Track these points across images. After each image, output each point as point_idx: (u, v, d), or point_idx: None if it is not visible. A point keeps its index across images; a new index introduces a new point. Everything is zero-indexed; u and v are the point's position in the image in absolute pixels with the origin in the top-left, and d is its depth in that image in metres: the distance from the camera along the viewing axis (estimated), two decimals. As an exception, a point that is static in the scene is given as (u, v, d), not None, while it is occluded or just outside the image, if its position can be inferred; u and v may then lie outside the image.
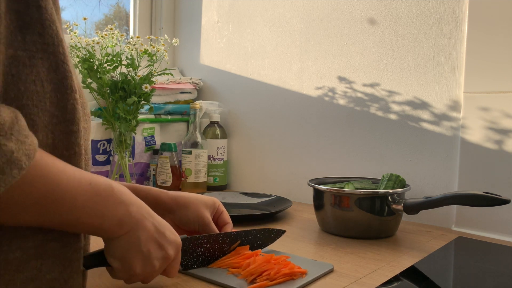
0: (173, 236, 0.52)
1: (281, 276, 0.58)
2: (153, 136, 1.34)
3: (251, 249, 0.68)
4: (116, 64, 1.14)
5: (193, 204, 0.67)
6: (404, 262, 0.70)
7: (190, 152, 1.27)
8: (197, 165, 1.27)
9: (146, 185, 1.15)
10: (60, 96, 0.41)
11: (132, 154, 1.27)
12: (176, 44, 1.25)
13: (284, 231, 0.73)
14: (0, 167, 0.33)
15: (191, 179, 1.27)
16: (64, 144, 0.42)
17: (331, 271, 0.64)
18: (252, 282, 0.58)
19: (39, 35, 0.40)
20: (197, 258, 0.63)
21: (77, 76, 0.46)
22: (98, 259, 0.50)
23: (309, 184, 0.90)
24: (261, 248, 0.70)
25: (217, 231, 0.68)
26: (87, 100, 0.49)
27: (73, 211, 0.41)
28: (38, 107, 0.39)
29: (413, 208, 0.79)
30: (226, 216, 0.72)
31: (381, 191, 0.84)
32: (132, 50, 1.16)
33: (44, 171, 0.38)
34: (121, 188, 0.46)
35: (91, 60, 1.13)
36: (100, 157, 1.23)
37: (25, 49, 0.39)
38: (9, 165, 0.34)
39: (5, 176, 0.34)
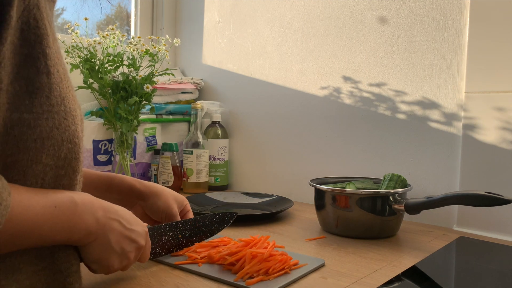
0: (141, 227, 0.56)
1: (276, 272, 0.60)
2: (154, 136, 1.34)
3: (210, 232, 0.73)
4: (117, 64, 1.14)
5: (164, 195, 0.71)
6: (406, 262, 0.70)
7: (192, 152, 1.27)
8: (198, 165, 1.27)
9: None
10: (57, 148, 0.43)
11: (134, 154, 1.27)
12: (178, 44, 1.25)
13: (237, 213, 0.77)
14: None
15: (192, 179, 1.27)
16: (51, 186, 0.44)
17: (323, 265, 0.66)
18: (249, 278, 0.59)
19: (47, 97, 0.41)
20: (163, 246, 0.67)
21: (76, 99, 0.47)
22: None
23: (310, 184, 0.90)
24: (218, 231, 0.74)
25: None
26: (79, 104, 0.49)
27: (42, 236, 0.42)
28: (32, 161, 0.41)
29: (415, 208, 0.79)
30: (191, 215, 0.77)
31: (383, 191, 0.84)
32: (133, 50, 1.16)
33: (14, 209, 0.38)
34: (85, 200, 0.47)
35: (93, 60, 1.13)
36: (101, 157, 1.23)
37: (32, 112, 0.40)
38: None
39: None
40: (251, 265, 0.60)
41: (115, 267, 0.52)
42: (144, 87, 1.16)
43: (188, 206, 0.76)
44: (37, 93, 0.41)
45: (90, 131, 1.20)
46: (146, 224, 0.62)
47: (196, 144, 1.28)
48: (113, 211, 0.51)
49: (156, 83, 1.22)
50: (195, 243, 0.71)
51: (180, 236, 0.69)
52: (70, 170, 0.45)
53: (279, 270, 0.61)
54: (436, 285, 0.62)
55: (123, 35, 1.16)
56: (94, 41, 1.13)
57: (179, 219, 0.73)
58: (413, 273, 0.66)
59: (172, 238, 0.68)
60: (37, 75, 0.41)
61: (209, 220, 0.74)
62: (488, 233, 0.87)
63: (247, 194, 1.16)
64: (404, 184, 0.87)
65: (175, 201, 0.73)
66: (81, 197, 0.47)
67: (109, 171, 1.24)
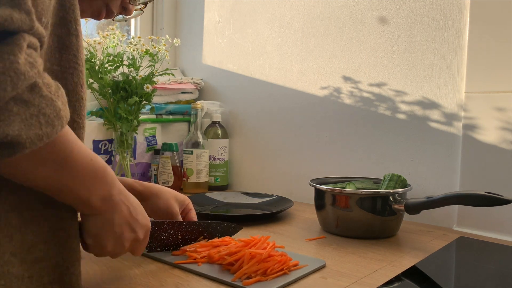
0: (145, 220, 0.57)
1: (275, 273, 0.60)
2: (154, 136, 1.34)
3: (210, 239, 0.73)
4: (117, 64, 1.14)
5: (164, 195, 0.72)
6: (406, 262, 0.70)
7: (192, 152, 1.27)
8: (198, 165, 1.27)
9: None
10: (82, 106, 0.48)
11: (134, 154, 1.27)
12: (178, 44, 1.25)
13: (241, 228, 0.77)
14: (51, 120, 0.38)
15: (192, 179, 1.27)
16: None
17: (323, 266, 0.66)
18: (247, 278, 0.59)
19: (74, 56, 0.47)
20: (161, 242, 0.68)
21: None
22: None
23: (310, 184, 0.90)
24: (219, 238, 0.74)
25: None
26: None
27: (73, 179, 0.45)
28: None
29: (415, 208, 0.79)
30: (194, 214, 0.77)
31: (383, 191, 0.84)
32: (133, 50, 1.16)
33: (67, 136, 0.43)
34: (111, 173, 0.50)
35: (93, 60, 1.13)
36: (101, 157, 1.23)
37: (60, 65, 0.46)
38: (57, 120, 0.39)
39: (53, 129, 0.38)
40: (249, 265, 0.60)
41: (108, 249, 0.53)
42: (144, 87, 1.16)
43: (190, 205, 0.77)
44: (66, 50, 0.46)
45: (90, 131, 1.20)
46: (150, 219, 0.62)
47: (196, 144, 1.28)
48: (126, 195, 0.53)
49: (156, 83, 1.22)
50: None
51: (180, 237, 0.70)
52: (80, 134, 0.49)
53: (278, 270, 0.60)
54: (436, 285, 0.62)
55: (123, 35, 1.16)
56: (94, 41, 1.13)
57: (180, 218, 0.73)
58: (413, 273, 0.66)
59: (171, 237, 0.69)
60: (67, 35, 0.46)
61: (213, 228, 0.74)
62: (488, 233, 0.87)
63: (247, 194, 1.16)
64: (404, 184, 0.87)
65: (176, 200, 0.73)
66: (109, 168, 0.50)
67: (109, 171, 1.23)
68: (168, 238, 0.68)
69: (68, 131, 0.43)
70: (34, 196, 0.44)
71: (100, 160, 0.48)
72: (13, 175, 0.41)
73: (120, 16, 0.66)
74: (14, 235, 0.42)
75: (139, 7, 0.68)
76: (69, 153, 0.43)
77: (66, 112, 0.40)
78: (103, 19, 0.64)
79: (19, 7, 0.35)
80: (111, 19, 0.66)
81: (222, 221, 0.76)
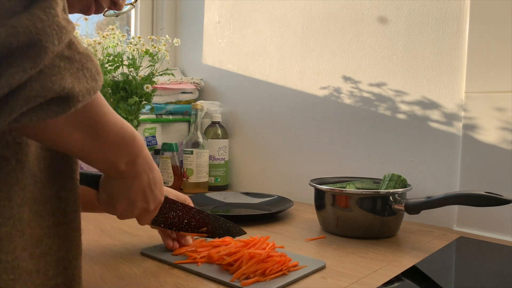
0: (160, 194, 0.58)
1: (274, 273, 0.60)
2: (154, 136, 1.34)
3: (212, 234, 0.74)
4: (117, 64, 1.14)
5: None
6: (406, 262, 0.69)
7: (192, 152, 1.27)
8: (198, 165, 1.27)
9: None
10: None
11: (134, 154, 1.27)
12: (178, 44, 1.25)
13: (244, 233, 0.77)
14: (93, 75, 0.38)
15: (192, 179, 1.27)
16: None
17: (323, 267, 0.65)
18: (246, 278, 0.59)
19: None
20: (167, 220, 0.69)
21: None
22: (92, 181, 0.57)
23: (310, 184, 0.90)
24: (220, 237, 0.75)
25: None
26: None
27: (104, 144, 0.46)
28: None
29: (415, 208, 0.79)
30: None
31: (383, 191, 0.84)
32: (133, 50, 1.16)
33: (100, 100, 0.43)
34: (140, 141, 0.51)
35: (93, 60, 1.13)
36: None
37: None
38: (97, 75, 0.39)
39: (96, 84, 0.38)
40: (248, 266, 0.60)
41: (117, 210, 0.55)
42: (144, 87, 1.16)
43: (191, 205, 0.76)
44: None
45: (90, 131, 1.19)
46: (165, 195, 0.64)
47: (196, 144, 1.28)
48: (150, 165, 0.54)
49: (156, 83, 1.22)
50: (194, 237, 0.73)
51: (186, 221, 0.71)
52: None
53: (277, 271, 0.60)
54: (436, 285, 0.62)
55: (123, 35, 1.16)
56: (94, 41, 1.13)
57: None
58: (413, 273, 0.65)
59: (178, 218, 0.70)
60: None
61: (218, 223, 0.75)
62: (488, 233, 0.87)
63: (247, 194, 1.16)
64: (404, 184, 0.87)
65: (177, 200, 0.73)
66: (139, 136, 0.51)
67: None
68: (174, 218, 0.69)
69: (100, 95, 0.43)
70: (40, 191, 0.44)
71: (129, 127, 0.49)
72: (51, 141, 0.42)
73: (111, 11, 0.65)
74: (25, 229, 0.42)
75: (130, 1, 0.67)
76: (102, 118, 0.44)
77: (100, 69, 0.40)
78: (99, 16, 0.63)
79: None
80: (102, 14, 0.65)
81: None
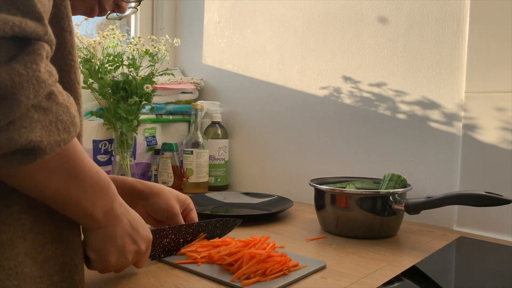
0: (146, 232, 0.57)
1: (274, 273, 0.60)
2: (154, 136, 1.34)
3: (212, 238, 0.74)
4: (117, 64, 1.14)
5: (165, 194, 0.72)
6: (406, 262, 0.69)
7: (192, 152, 1.27)
8: (198, 165, 1.27)
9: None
10: (79, 103, 0.48)
11: (134, 154, 1.27)
12: (178, 44, 1.25)
13: (240, 221, 0.77)
14: (67, 127, 0.39)
15: (192, 179, 1.27)
16: None
17: (323, 267, 0.65)
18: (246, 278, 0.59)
19: (69, 52, 0.47)
20: (164, 248, 0.68)
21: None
22: None
23: (310, 184, 0.90)
24: (220, 237, 0.75)
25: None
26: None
27: (80, 190, 0.45)
28: None
29: (415, 208, 0.79)
30: (194, 214, 0.77)
31: (383, 191, 0.84)
32: (133, 50, 1.16)
33: (76, 146, 0.43)
34: (113, 186, 0.51)
35: (93, 60, 1.13)
36: (101, 157, 1.23)
37: (56, 63, 0.44)
38: (72, 127, 0.39)
39: (69, 136, 0.39)
40: (248, 266, 0.60)
41: (111, 263, 0.53)
42: (144, 87, 1.16)
43: (192, 205, 0.77)
44: (60, 47, 0.45)
45: (90, 131, 1.20)
46: (150, 227, 0.62)
47: (196, 144, 1.28)
48: (126, 208, 0.54)
49: (156, 83, 1.22)
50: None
51: (181, 240, 0.70)
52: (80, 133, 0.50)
53: (277, 271, 0.60)
54: (436, 285, 0.62)
55: (123, 35, 1.16)
56: (94, 41, 1.13)
57: (181, 218, 0.73)
58: (413, 273, 0.66)
59: (173, 241, 0.69)
60: (61, 32, 0.45)
61: (212, 226, 0.74)
62: (488, 233, 0.87)
63: (247, 194, 1.16)
64: (404, 184, 0.87)
65: (177, 200, 0.74)
66: (112, 182, 0.50)
67: (109, 171, 1.24)
68: (170, 243, 0.68)
69: (76, 141, 0.43)
70: None
71: (103, 173, 0.49)
72: (25, 187, 0.42)
73: (114, 14, 0.65)
74: (27, 235, 0.43)
75: (133, 4, 0.67)
76: (78, 164, 0.44)
77: (78, 120, 0.41)
78: (102, 18, 0.63)
79: (31, 14, 0.35)
80: (105, 17, 0.65)
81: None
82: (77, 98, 0.47)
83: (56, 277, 0.45)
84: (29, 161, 0.36)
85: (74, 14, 0.59)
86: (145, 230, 0.57)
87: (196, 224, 0.72)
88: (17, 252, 0.41)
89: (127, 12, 0.67)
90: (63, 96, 0.39)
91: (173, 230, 0.68)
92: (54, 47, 0.39)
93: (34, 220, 0.44)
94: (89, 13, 0.61)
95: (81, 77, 1.13)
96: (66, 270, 0.46)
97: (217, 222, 0.75)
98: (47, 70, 0.36)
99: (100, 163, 1.23)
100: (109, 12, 0.63)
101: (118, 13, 0.65)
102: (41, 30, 0.36)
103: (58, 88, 0.39)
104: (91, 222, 0.50)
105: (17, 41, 0.35)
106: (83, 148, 0.45)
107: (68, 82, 0.46)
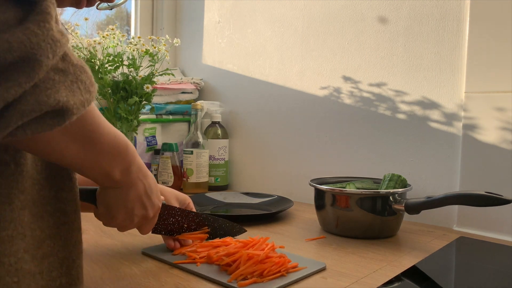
0: (157, 200, 0.58)
1: (272, 274, 0.60)
2: (154, 136, 1.34)
3: (213, 235, 0.74)
4: (117, 64, 1.14)
5: (164, 194, 0.72)
6: (406, 262, 0.69)
7: (192, 152, 1.27)
8: (198, 165, 1.27)
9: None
10: None
11: (134, 154, 1.27)
12: (178, 44, 1.25)
13: (245, 231, 0.78)
14: (87, 87, 0.38)
15: (192, 179, 1.27)
16: None
17: (323, 269, 0.65)
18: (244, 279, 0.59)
19: None
20: (167, 226, 0.69)
21: None
22: (89, 195, 0.57)
23: (310, 184, 0.90)
24: (221, 238, 0.75)
25: None
26: None
27: (98, 155, 0.46)
28: None
29: (415, 208, 0.79)
30: None
31: (383, 191, 0.84)
32: (133, 50, 1.16)
33: (94, 111, 0.43)
34: (133, 149, 0.52)
35: (93, 60, 1.13)
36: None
37: None
38: (91, 87, 0.39)
39: (90, 95, 0.39)
40: (246, 267, 0.60)
41: (117, 221, 0.55)
42: (144, 87, 1.16)
43: (191, 204, 0.77)
44: None
45: (90, 131, 1.19)
46: (163, 201, 0.64)
47: (196, 144, 1.28)
48: (144, 173, 0.55)
49: (156, 83, 1.22)
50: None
51: (185, 225, 0.71)
52: None
53: (275, 272, 0.60)
54: (436, 285, 0.62)
55: (123, 35, 1.16)
56: (94, 41, 1.13)
57: None
58: (413, 273, 0.65)
59: (177, 223, 0.70)
60: None
61: (218, 224, 0.75)
62: (488, 233, 0.87)
63: (247, 194, 1.16)
64: (404, 184, 0.87)
65: (177, 200, 0.74)
66: (131, 144, 0.51)
67: (109, 171, 1.24)
68: (174, 223, 0.70)
69: (93, 106, 0.43)
70: (39, 192, 0.45)
71: (122, 135, 0.49)
72: (45, 152, 0.42)
73: (105, 4, 0.64)
74: (26, 232, 0.43)
75: None
76: (96, 128, 0.44)
77: (94, 80, 0.41)
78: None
79: None
80: (95, 7, 0.64)
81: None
82: None
83: (54, 272, 0.46)
84: (58, 123, 0.36)
85: (61, 6, 0.57)
86: (157, 198, 0.58)
87: (205, 216, 0.73)
88: (16, 248, 0.41)
89: (118, 1, 0.66)
90: (75, 57, 0.39)
91: (182, 212, 0.70)
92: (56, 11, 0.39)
93: (33, 216, 0.44)
94: (77, 4, 0.59)
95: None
96: (65, 265, 0.47)
97: (224, 223, 0.76)
98: (58, 30, 0.36)
99: (100, 163, 1.23)
100: (99, 2, 0.62)
101: (108, 3, 0.64)
102: None
103: (70, 50, 0.38)
104: (108, 182, 0.51)
105: (21, 3, 0.34)
106: (99, 113, 0.45)
107: None
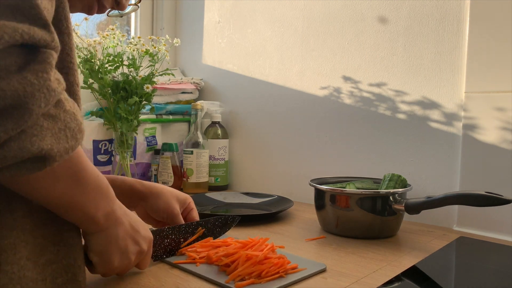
0: (146, 232, 0.58)
1: (270, 275, 0.59)
2: (154, 136, 1.34)
3: (212, 236, 0.74)
4: (117, 64, 1.14)
5: (165, 195, 0.72)
6: (406, 262, 0.69)
7: (192, 152, 1.27)
8: (198, 165, 1.27)
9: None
10: (78, 105, 0.48)
11: (134, 154, 1.27)
12: (178, 44, 1.25)
13: (239, 218, 0.78)
14: (75, 134, 0.39)
15: (192, 179, 1.27)
16: None
17: (323, 270, 0.65)
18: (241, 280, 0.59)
19: (67, 55, 0.46)
20: (165, 249, 0.68)
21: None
22: None
23: (310, 184, 0.90)
24: (220, 235, 0.75)
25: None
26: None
27: (84, 195, 0.46)
28: None
29: (415, 208, 0.79)
30: (195, 214, 0.76)
31: (383, 191, 0.84)
32: (133, 50, 1.16)
33: (80, 152, 0.44)
34: (111, 189, 0.51)
35: (93, 60, 1.13)
36: (101, 157, 1.23)
37: (55, 66, 0.45)
38: (79, 134, 0.40)
39: (76, 142, 0.39)
40: (244, 267, 0.59)
41: (114, 265, 0.53)
42: (144, 87, 1.16)
43: (192, 204, 0.76)
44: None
45: (90, 131, 1.20)
46: (150, 226, 0.62)
47: (196, 144, 1.28)
48: (125, 210, 0.54)
49: (156, 83, 1.22)
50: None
51: (182, 239, 0.70)
52: None
53: (274, 273, 0.60)
54: (436, 285, 0.62)
55: (123, 35, 1.16)
56: (94, 41, 1.13)
57: (181, 218, 0.73)
58: (413, 273, 0.65)
59: (174, 242, 0.69)
60: (59, 35, 0.44)
61: (212, 224, 0.74)
62: (488, 233, 0.87)
63: (247, 194, 1.16)
64: (404, 184, 0.87)
65: (177, 200, 0.73)
66: (110, 186, 0.51)
67: (109, 171, 1.24)
68: (171, 243, 0.69)
69: (80, 149, 0.44)
70: None
71: (103, 176, 0.49)
72: (31, 193, 0.42)
73: (116, 11, 0.64)
74: (28, 239, 0.43)
75: (133, 1, 0.67)
76: (82, 169, 0.45)
77: (83, 126, 0.41)
78: (100, 16, 0.63)
79: (37, 22, 0.35)
80: (106, 14, 0.65)
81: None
82: (76, 100, 0.47)
83: (60, 279, 0.45)
84: (38, 169, 0.37)
85: (72, 12, 0.58)
86: (146, 230, 0.58)
87: (195, 223, 0.72)
88: (19, 256, 0.41)
89: (128, 9, 0.67)
90: (69, 103, 0.40)
91: (173, 230, 0.68)
92: (59, 53, 0.39)
93: (35, 223, 0.44)
94: (88, 11, 0.60)
95: (81, 78, 1.14)
96: (70, 272, 0.47)
97: (216, 220, 0.75)
98: (56, 78, 0.37)
99: (100, 163, 1.23)
100: (109, 9, 0.63)
101: (119, 11, 0.64)
102: (48, 37, 0.36)
103: (65, 95, 0.39)
104: (93, 226, 0.50)
105: (25, 49, 0.34)
106: (84, 154, 0.46)
107: (66, 85, 0.46)
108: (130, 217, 0.55)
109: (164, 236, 0.67)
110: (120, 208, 0.53)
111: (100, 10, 0.61)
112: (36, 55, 0.35)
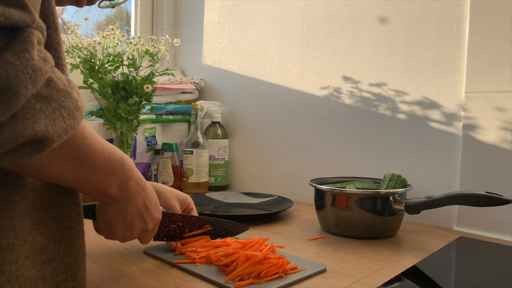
0: (157, 212, 0.58)
1: (269, 276, 0.59)
2: (154, 136, 1.34)
3: (215, 236, 0.74)
4: (117, 64, 1.14)
5: (165, 194, 0.72)
6: (406, 262, 0.69)
7: (192, 152, 1.27)
8: (198, 165, 1.27)
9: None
10: None
11: (134, 154, 1.27)
12: (178, 44, 1.25)
13: (247, 228, 0.78)
14: (72, 112, 0.38)
15: (192, 179, 1.27)
16: None
17: (323, 270, 0.65)
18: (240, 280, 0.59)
19: (55, 50, 0.45)
20: (168, 233, 0.70)
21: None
22: (88, 211, 0.56)
23: (310, 184, 0.90)
24: (223, 238, 0.75)
25: None
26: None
27: (92, 172, 0.46)
28: None
29: (415, 208, 0.79)
30: (195, 214, 0.77)
31: (383, 191, 0.84)
32: (133, 50, 1.16)
33: (84, 130, 0.43)
34: (130, 164, 0.52)
35: (93, 60, 1.13)
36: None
37: None
38: (77, 112, 0.39)
39: (75, 121, 0.38)
40: (243, 267, 0.59)
41: (117, 235, 0.56)
42: (144, 87, 1.16)
43: (192, 204, 0.77)
44: (46, 45, 0.43)
45: (90, 131, 1.19)
46: (162, 210, 0.64)
47: (196, 144, 1.28)
48: (143, 186, 0.55)
49: (156, 83, 1.22)
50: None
51: (187, 230, 0.71)
52: None
53: (273, 274, 0.60)
54: (436, 285, 0.62)
55: (123, 35, 1.16)
56: (94, 41, 1.13)
57: None
58: (413, 273, 0.65)
59: (179, 229, 0.70)
60: (46, 29, 0.43)
61: (220, 225, 0.75)
62: (488, 233, 0.87)
63: (247, 194, 1.16)
64: (404, 184, 0.87)
65: (177, 200, 0.74)
66: (128, 160, 0.51)
67: (109, 171, 1.23)
68: (175, 229, 0.70)
69: (84, 125, 0.43)
70: (41, 198, 0.45)
71: (117, 151, 0.49)
72: (37, 174, 0.42)
73: (107, 2, 0.64)
74: (27, 238, 0.43)
75: None
76: (88, 148, 0.44)
77: (82, 103, 0.40)
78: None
79: (14, 3, 0.34)
80: (97, 5, 0.64)
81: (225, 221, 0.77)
82: None
83: (59, 277, 0.46)
84: (38, 152, 0.36)
85: (61, 5, 0.57)
86: (157, 210, 0.58)
87: (206, 219, 0.73)
88: (18, 255, 0.41)
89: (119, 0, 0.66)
90: (63, 81, 0.38)
91: (183, 218, 0.70)
92: (45, 33, 0.38)
93: (34, 222, 0.44)
94: (77, 3, 0.59)
95: (81, 78, 1.14)
96: (70, 270, 0.47)
97: (226, 223, 0.76)
98: (41, 57, 0.35)
99: (100, 163, 1.23)
100: (100, 0, 0.62)
101: (110, 1, 0.63)
102: (27, 17, 0.34)
103: (57, 74, 0.38)
104: (105, 197, 0.51)
105: (4, 31, 0.33)
106: (92, 131, 0.45)
107: None
108: (146, 194, 0.55)
109: (172, 221, 0.69)
110: (137, 183, 0.53)
111: (90, 2, 0.60)
112: (16, 36, 0.34)
